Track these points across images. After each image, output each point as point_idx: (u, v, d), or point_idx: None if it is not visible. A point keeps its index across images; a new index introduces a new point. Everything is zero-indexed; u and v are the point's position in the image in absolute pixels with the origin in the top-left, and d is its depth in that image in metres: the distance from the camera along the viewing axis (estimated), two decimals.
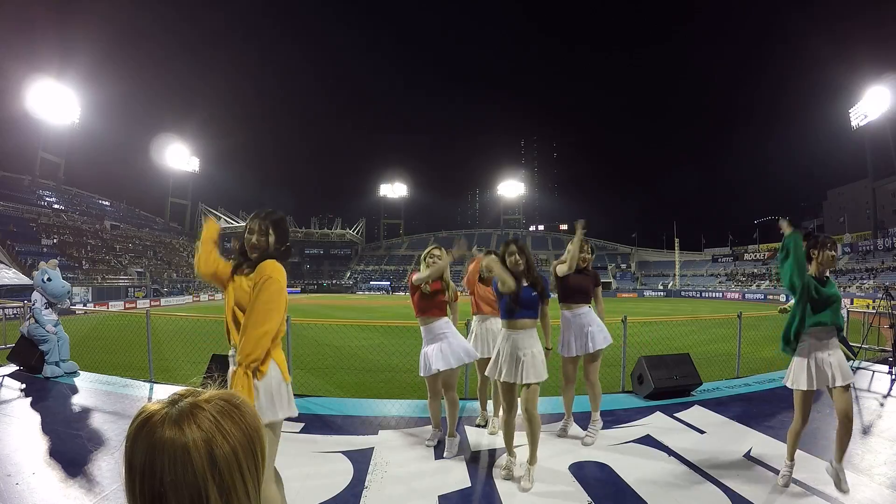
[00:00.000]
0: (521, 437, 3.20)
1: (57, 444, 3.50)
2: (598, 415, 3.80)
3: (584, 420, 3.92)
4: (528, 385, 2.99)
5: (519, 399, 3.10)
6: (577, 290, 3.81)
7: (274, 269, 1.98)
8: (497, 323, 3.93)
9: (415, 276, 3.52)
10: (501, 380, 3.02)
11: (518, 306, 3.00)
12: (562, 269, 3.74)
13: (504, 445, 3.23)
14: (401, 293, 53.37)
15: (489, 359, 4.01)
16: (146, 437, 0.56)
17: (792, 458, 2.90)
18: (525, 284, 3.04)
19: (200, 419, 0.57)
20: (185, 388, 0.64)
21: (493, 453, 3.44)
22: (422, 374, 3.53)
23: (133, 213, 56.66)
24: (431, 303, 3.52)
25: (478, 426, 4.04)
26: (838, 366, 2.73)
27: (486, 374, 3.22)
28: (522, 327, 3.03)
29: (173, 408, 0.58)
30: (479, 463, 3.28)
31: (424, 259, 3.61)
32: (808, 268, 2.81)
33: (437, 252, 3.63)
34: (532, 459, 2.98)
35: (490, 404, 4.16)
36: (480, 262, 3.71)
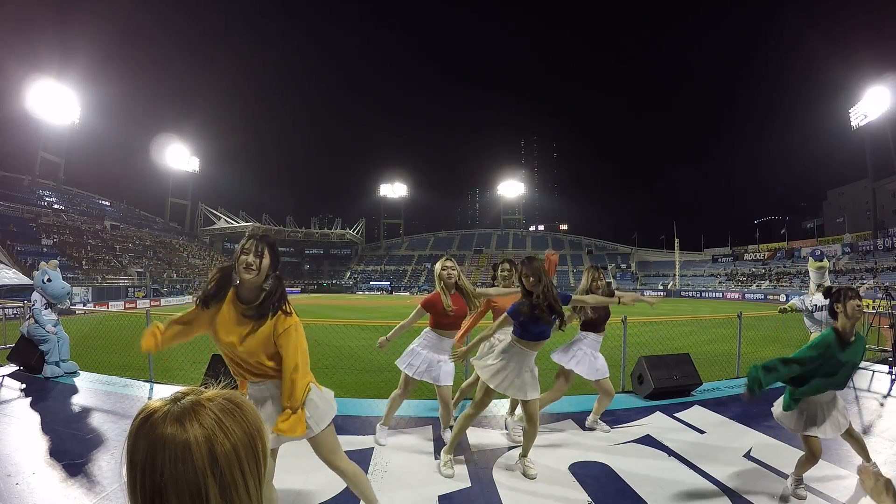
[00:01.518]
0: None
1: (57, 444, 3.49)
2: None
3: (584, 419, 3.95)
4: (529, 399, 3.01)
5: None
6: (600, 321, 3.89)
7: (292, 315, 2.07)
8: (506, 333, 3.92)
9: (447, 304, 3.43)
10: (496, 389, 3.01)
11: (530, 330, 2.99)
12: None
13: (505, 444, 3.40)
14: (401, 293, 53.37)
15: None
16: (148, 434, 0.56)
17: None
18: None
19: (202, 416, 0.57)
20: (188, 387, 0.64)
21: (493, 453, 3.44)
22: (401, 367, 3.52)
23: (133, 213, 56.61)
24: (449, 321, 3.49)
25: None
26: (841, 412, 2.67)
27: (491, 385, 3.11)
28: (531, 348, 3.03)
29: (175, 405, 0.59)
30: (479, 463, 3.28)
31: (439, 276, 3.51)
32: (835, 323, 2.63)
33: (448, 264, 3.57)
34: (527, 452, 3.12)
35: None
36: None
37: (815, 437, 2.62)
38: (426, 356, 3.49)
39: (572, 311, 3.83)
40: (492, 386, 3.02)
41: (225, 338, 2.00)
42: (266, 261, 2.00)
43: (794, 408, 2.70)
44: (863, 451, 2.74)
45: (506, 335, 3.22)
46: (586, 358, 3.82)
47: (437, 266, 3.57)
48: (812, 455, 2.66)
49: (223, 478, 0.56)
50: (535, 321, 2.90)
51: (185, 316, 2.08)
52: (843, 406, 2.71)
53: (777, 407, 2.82)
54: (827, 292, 2.81)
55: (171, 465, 0.54)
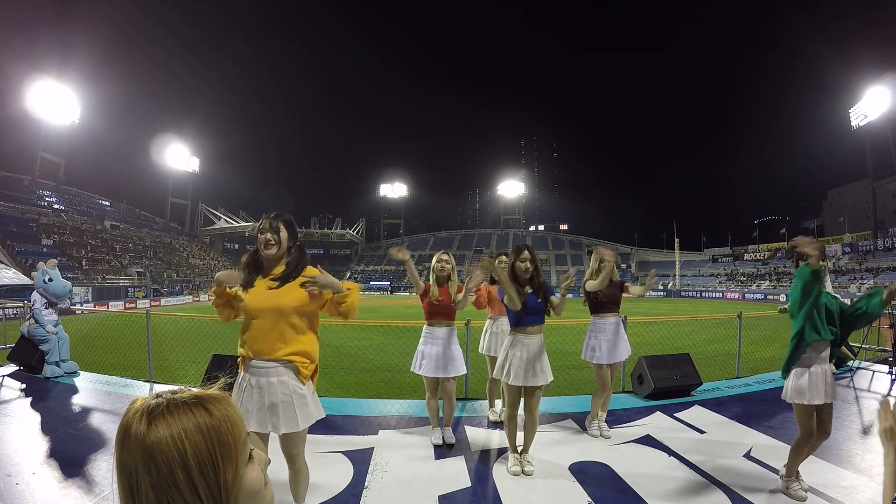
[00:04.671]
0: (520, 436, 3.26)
1: (57, 444, 3.49)
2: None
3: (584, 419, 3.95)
4: (537, 387, 3.08)
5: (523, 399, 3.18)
6: (608, 301, 3.87)
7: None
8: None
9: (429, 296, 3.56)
10: (510, 383, 3.07)
11: (526, 315, 3.07)
12: (591, 286, 3.78)
13: (505, 444, 3.34)
14: (401, 293, 53.37)
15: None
16: (120, 426, 0.61)
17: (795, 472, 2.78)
18: (529, 292, 3.09)
19: (158, 416, 0.59)
20: (182, 386, 0.66)
21: (492, 453, 3.44)
22: (415, 371, 3.59)
23: (133, 213, 56.55)
24: (440, 310, 3.57)
25: (491, 422, 4.09)
26: (831, 382, 2.68)
27: (494, 376, 3.25)
28: (531, 333, 3.10)
29: (146, 402, 0.61)
30: (479, 463, 3.28)
31: (432, 267, 3.64)
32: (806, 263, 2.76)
33: (444, 257, 3.65)
34: (528, 448, 3.18)
35: (498, 403, 4.25)
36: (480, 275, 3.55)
37: (804, 404, 2.64)
38: (427, 351, 3.57)
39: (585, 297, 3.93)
40: (500, 379, 3.14)
41: (253, 303, 2.08)
42: (283, 234, 2.14)
43: (793, 369, 2.72)
44: (812, 449, 2.77)
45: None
46: (599, 345, 3.82)
47: (434, 258, 3.70)
48: (805, 434, 2.67)
49: (160, 476, 0.57)
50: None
51: (229, 293, 2.16)
52: (832, 381, 2.70)
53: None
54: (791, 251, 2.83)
55: (118, 453, 0.60)
